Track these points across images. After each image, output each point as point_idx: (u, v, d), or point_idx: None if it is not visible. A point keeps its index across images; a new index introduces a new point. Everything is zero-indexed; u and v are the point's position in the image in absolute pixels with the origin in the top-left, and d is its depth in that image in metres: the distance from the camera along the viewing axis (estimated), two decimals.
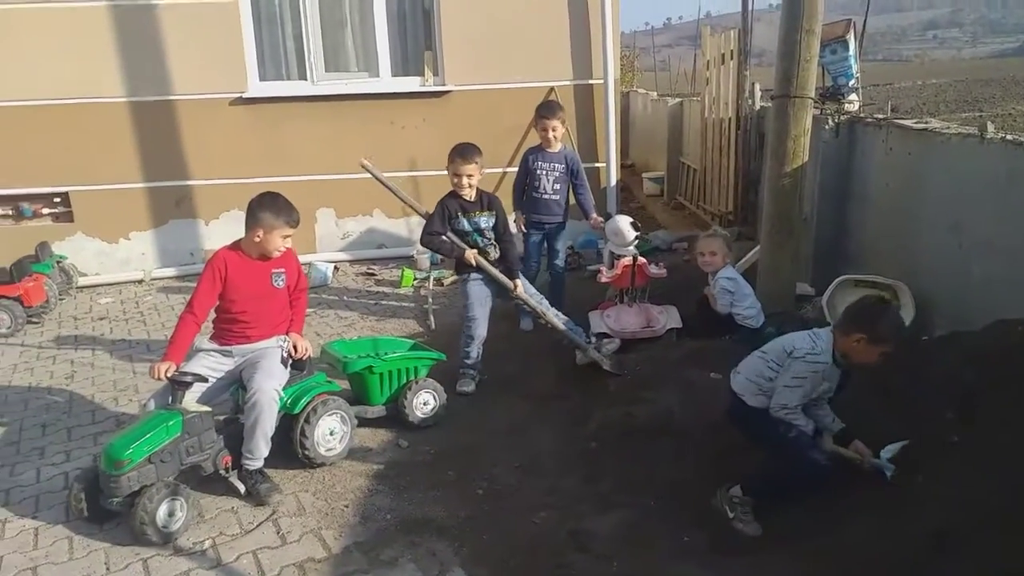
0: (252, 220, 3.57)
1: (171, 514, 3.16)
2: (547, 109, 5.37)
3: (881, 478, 3.20)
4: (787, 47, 4.55)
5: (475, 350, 4.57)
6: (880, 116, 5.20)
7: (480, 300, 4.55)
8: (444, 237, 4.53)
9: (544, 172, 5.31)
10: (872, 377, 3.49)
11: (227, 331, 3.66)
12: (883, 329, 3.07)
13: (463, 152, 4.47)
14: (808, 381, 3.13)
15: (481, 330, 4.55)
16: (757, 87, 6.98)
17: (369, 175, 4.55)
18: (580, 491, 3.46)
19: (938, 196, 4.33)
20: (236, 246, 3.66)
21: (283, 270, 3.71)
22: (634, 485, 3.44)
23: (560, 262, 5.55)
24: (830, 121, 5.39)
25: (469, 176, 4.48)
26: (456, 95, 7.14)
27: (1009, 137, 3.85)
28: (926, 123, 4.73)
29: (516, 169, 5.64)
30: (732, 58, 7.23)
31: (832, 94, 5.77)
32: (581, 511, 3.29)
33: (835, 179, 5.40)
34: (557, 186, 5.33)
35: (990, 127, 3.98)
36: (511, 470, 3.66)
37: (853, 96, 5.79)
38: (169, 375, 3.34)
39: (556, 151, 5.34)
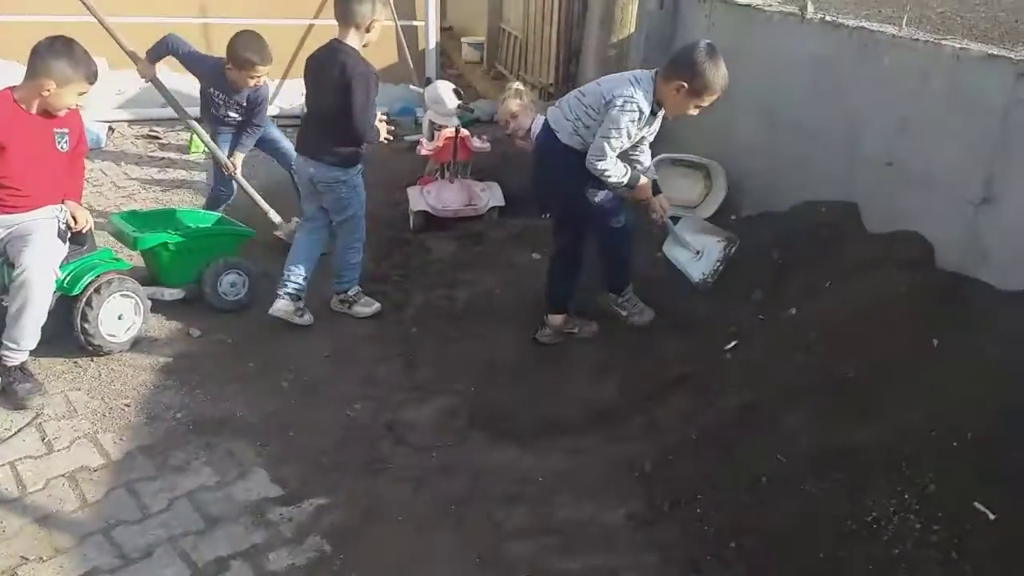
0: (43, 69, 2.94)
1: None
2: None
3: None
4: None
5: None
6: None
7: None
8: None
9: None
10: None
11: None
12: (705, 79, 2.96)
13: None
14: (625, 130, 3.00)
15: None
16: None
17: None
18: (397, 379, 3.26)
19: (756, 76, 4.33)
20: (9, 93, 2.97)
21: (67, 130, 3.13)
22: (454, 371, 3.30)
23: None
24: None
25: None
26: None
27: (828, 18, 3.85)
28: None
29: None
30: None
31: None
32: (398, 400, 3.12)
33: (659, 53, 5.26)
34: None
35: (810, 6, 3.95)
36: (321, 359, 3.38)
37: None
38: None
39: None
